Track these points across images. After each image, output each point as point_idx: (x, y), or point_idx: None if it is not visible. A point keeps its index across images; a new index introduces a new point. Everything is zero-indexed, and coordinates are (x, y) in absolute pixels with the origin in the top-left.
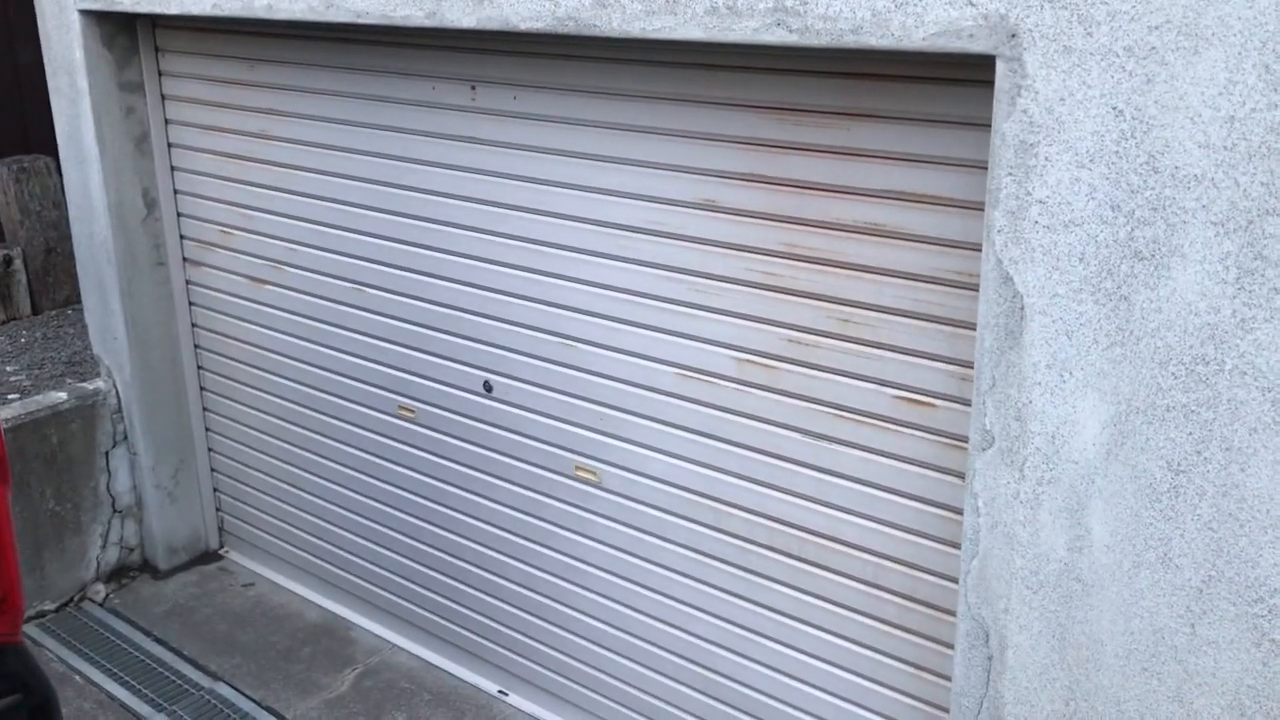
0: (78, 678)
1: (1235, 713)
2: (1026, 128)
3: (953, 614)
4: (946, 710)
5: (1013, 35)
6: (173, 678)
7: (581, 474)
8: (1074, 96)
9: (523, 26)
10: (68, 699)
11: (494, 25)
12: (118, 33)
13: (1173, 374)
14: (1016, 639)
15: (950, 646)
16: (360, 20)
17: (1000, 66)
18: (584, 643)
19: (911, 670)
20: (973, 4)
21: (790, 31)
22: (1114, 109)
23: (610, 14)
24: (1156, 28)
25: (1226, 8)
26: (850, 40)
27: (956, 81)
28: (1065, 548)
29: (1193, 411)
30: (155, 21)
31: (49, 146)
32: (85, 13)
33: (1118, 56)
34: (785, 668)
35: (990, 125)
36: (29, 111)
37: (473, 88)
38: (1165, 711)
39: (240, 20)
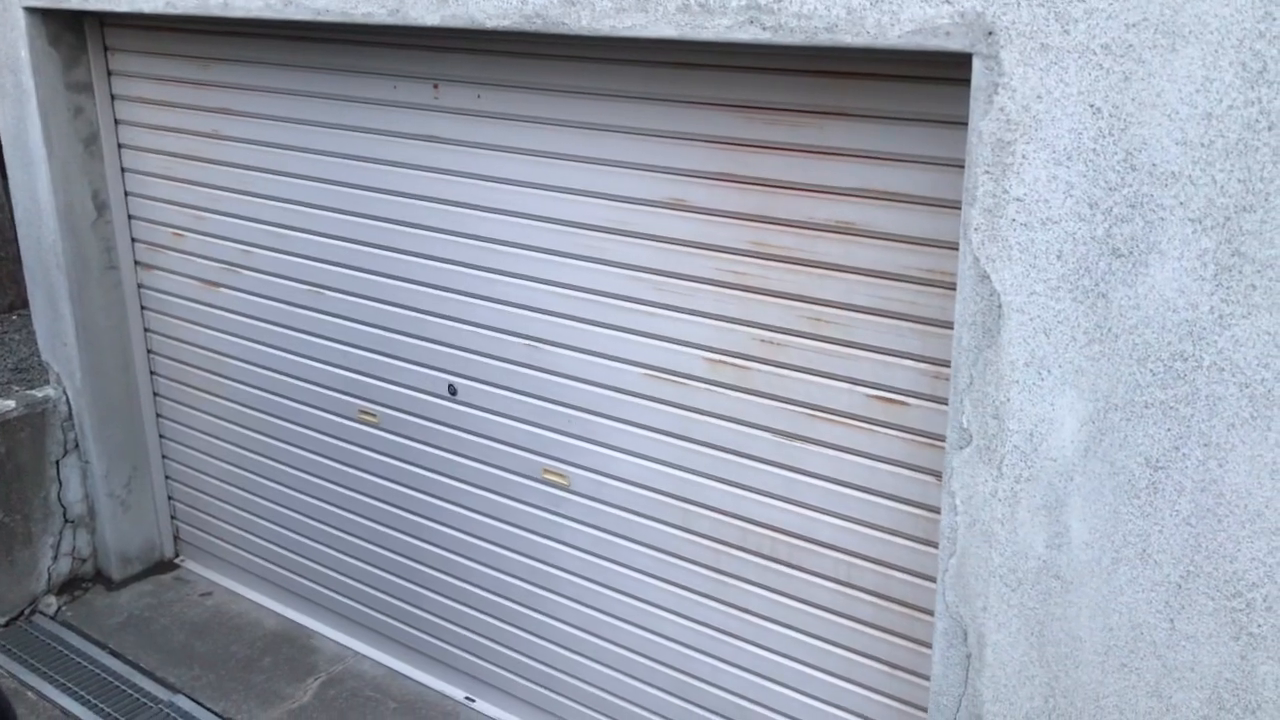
0: (30, 694)
1: (1214, 706)
2: (1003, 125)
3: (927, 612)
4: (924, 709)
5: (989, 33)
6: (130, 691)
7: (550, 477)
8: (1051, 94)
9: (489, 24)
10: (21, 716)
11: (459, 23)
12: (64, 31)
13: (1151, 371)
14: (995, 637)
15: (925, 645)
16: (320, 18)
17: (977, 64)
18: (553, 647)
19: (887, 669)
20: (949, 2)
21: (764, 29)
22: (1091, 106)
23: (579, 11)
24: (1134, 25)
25: (1204, 5)
26: (825, 38)
27: (931, 80)
28: (1044, 545)
29: (1171, 408)
30: (103, 20)
31: None
32: (31, 10)
33: (1095, 54)
34: (759, 669)
35: (965, 123)
36: None
37: (435, 86)
38: (1144, 706)
39: (194, 18)
